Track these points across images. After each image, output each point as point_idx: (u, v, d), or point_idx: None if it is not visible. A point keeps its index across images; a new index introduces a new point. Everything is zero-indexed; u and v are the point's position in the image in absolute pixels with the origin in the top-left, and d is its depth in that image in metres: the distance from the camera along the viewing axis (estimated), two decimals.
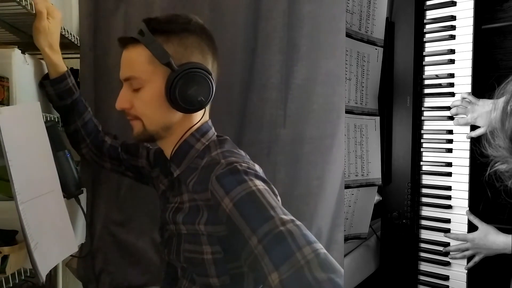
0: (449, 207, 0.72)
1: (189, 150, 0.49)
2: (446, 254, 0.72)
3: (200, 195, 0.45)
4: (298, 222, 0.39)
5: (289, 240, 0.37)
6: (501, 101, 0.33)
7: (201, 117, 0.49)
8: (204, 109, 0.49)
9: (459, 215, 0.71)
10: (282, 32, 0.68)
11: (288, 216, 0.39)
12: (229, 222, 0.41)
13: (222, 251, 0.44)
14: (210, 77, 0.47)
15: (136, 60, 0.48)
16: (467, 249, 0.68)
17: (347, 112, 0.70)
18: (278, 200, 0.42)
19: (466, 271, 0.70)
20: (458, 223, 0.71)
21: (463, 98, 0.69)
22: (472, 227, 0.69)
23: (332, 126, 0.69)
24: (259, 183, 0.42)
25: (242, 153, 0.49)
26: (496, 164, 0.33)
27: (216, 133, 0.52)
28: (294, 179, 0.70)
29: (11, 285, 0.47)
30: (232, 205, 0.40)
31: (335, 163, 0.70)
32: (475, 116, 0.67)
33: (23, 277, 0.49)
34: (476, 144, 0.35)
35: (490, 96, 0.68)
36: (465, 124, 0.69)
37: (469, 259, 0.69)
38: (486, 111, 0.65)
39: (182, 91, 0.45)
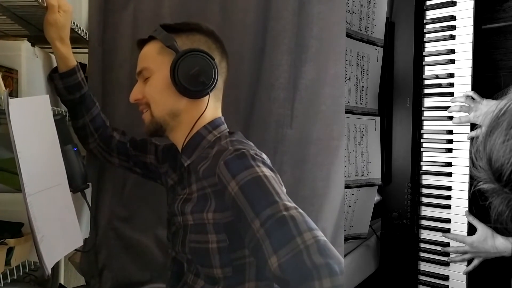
0: (449, 207, 0.72)
1: (200, 141, 0.50)
2: (446, 254, 0.71)
3: (208, 180, 0.46)
4: (301, 210, 0.40)
5: (290, 225, 0.37)
6: (486, 124, 0.32)
7: (206, 105, 0.50)
8: (209, 97, 0.50)
9: (459, 215, 0.70)
10: (291, 32, 0.68)
11: (292, 204, 0.40)
12: (234, 205, 0.42)
13: (227, 239, 0.44)
14: (213, 61, 0.49)
15: (147, 53, 0.53)
16: (465, 252, 0.67)
17: (347, 112, 0.70)
18: (284, 190, 0.43)
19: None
20: (458, 223, 0.71)
21: (467, 96, 0.68)
22: (472, 227, 0.68)
23: (339, 127, 0.69)
24: (265, 169, 0.43)
25: (251, 143, 0.50)
26: (479, 184, 0.33)
27: (228, 130, 0.53)
28: (299, 179, 0.70)
29: (15, 277, 0.47)
30: (238, 188, 0.41)
31: (340, 165, 0.70)
32: (478, 115, 0.66)
33: (27, 270, 0.49)
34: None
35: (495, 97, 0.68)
36: (467, 122, 0.68)
37: (469, 262, 0.68)
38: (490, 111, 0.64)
39: (185, 71, 0.48)
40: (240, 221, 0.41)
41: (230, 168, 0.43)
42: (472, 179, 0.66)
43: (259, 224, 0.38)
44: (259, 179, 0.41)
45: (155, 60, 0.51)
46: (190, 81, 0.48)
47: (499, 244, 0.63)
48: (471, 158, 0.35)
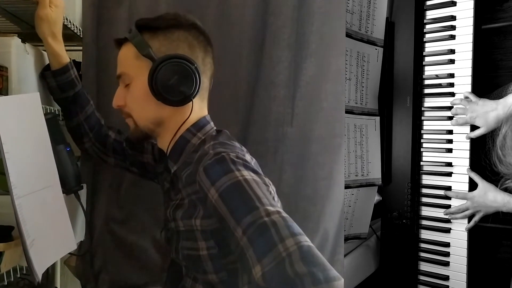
0: (449, 207, 0.72)
1: (185, 146, 0.49)
2: (446, 254, 0.71)
3: (191, 187, 0.44)
4: (284, 214, 0.38)
5: (272, 231, 0.36)
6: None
7: (191, 109, 0.48)
8: (192, 102, 0.48)
9: None
10: (291, 28, 0.66)
11: (274, 208, 0.38)
12: (216, 213, 0.40)
13: (216, 245, 0.43)
14: (193, 67, 0.46)
15: (125, 57, 0.50)
16: (467, 209, 0.68)
17: (347, 112, 0.69)
18: (271, 192, 0.42)
19: (466, 271, 0.69)
20: (458, 222, 0.71)
21: (465, 97, 0.68)
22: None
23: (340, 125, 0.68)
24: (246, 173, 0.40)
25: (237, 144, 0.48)
26: (507, 182, 0.32)
27: (215, 128, 0.51)
28: (301, 179, 0.68)
29: (6, 283, 0.45)
30: (217, 195, 0.39)
31: (343, 164, 0.69)
32: (474, 116, 0.66)
33: (18, 275, 0.48)
34: (486, 161, 0.35)
35: (491, 97, 0.68)
36: (464, 124, 0.69)
37: (470, 221, 0.68)
38: (485, 111, 0.65)
39: (163, 81, 0.45)
40: (224, 229, 0.40)
41: (209, 175, 0.41)
42: (472, 180, 0.68)
43: (241, 232, 0.37)
44: (238, 184, 0.39)
45: (133, 65, 0.48)
46: (170, 91, 0.45)
47: (500, 198, 0.62)
48: (495, 156, 0.33)
